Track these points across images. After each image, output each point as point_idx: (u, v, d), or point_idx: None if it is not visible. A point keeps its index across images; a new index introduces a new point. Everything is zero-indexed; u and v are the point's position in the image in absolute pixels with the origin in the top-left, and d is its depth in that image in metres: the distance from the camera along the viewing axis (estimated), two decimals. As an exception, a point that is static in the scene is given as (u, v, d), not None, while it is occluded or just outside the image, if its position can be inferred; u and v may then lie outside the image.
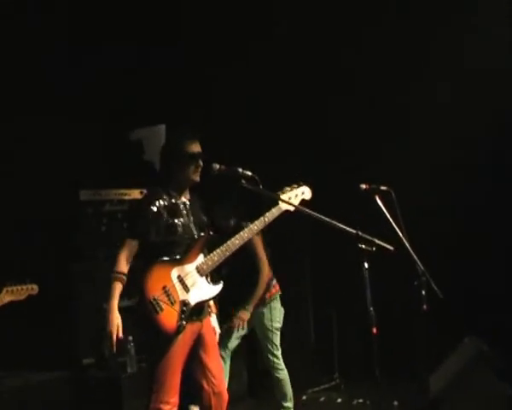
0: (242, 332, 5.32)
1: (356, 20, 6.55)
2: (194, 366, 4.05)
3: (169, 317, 3.84)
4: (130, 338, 5.23)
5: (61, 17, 6.30)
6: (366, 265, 3.79)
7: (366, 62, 6.60)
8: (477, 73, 5.97)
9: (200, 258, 4.04)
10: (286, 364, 5.37)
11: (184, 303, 3.90)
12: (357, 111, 6.66)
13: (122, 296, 3.93)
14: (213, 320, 4.28)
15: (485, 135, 6.02)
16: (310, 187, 4.40)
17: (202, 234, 4.09)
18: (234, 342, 5.32)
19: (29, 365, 5.29)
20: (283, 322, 5.43)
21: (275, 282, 5.40)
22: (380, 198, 4.37)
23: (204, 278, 4.03)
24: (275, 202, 4.19)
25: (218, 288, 4.07)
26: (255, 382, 6.32)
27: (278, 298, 5.40)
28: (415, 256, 4.24)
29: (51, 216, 5.82)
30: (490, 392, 4.48)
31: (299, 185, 4.38)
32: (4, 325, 4.88)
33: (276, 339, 5.32)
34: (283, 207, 4.19)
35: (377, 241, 3.78)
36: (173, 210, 4.03)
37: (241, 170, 3.98)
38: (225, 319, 5.16)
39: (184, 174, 4.06)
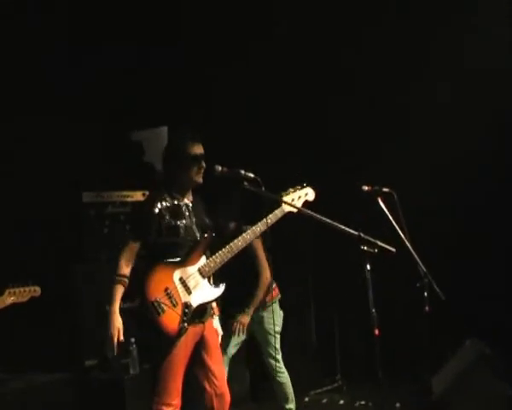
0: (242, 338, 5.28)
1: (356, 20, 6.54)
2: (197, 367, 4.05)
3: (171, 319, 3.83)
4: (133, 340, 5.23)
5: (61, 17, 6.29)
6: (368, 266, 3.80)
7: (366, 62, 6.59)
8: (477, 73, 5.98)
9: (203, 260, 4.04)
10: (288, 365, 5.36)
11: (186, 305, 3.89)
12: (357, 111, 6.66)
13: (124, 298, 3.93)
14: (216, 322, 4.27)
15: (485, 135, 6.02)
16: (313, 188, 4.40)
17: (205, 236, 4.08)
18: (233, 349, 5.27)
19: (31, 366, 5.29)
20: (285, 324, 5.42)
21: (274, 285, 5.35)
22: (382, 200, 4.38)
23: (206, 279, 4.02)
24: (277, 203, 4.20)
25: (221, 290, 4.07)
26: (257, 385, 6.32)
27: (277, 301, 5.37)
28: (417, 258, 4.24)
29: (53, 217, 5.82)
30: (490, 393, 4.49)
31: (303, 187, 4.37)
32: (7, 327, 4.89)
33: (277, 343, 5.27)
34: (286, 208, 4.19)
35: (379, 243, 3.79)
36: (175, 212, 4.02)
37: (243, 172, 3.98)
38: (226, 322, 5.14)
39: (187, 176, 4.05)
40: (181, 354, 3.90)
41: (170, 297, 3.85)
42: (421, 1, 6.35)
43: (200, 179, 4.08)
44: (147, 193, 5.18)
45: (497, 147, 6.09)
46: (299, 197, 4.33)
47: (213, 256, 4.04)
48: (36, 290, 4.57)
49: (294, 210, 4.19)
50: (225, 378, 4.25)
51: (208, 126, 6.21)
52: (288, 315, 5.44)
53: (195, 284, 3.96)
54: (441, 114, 6.30)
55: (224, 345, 5.12)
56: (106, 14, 6.53)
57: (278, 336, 5.31)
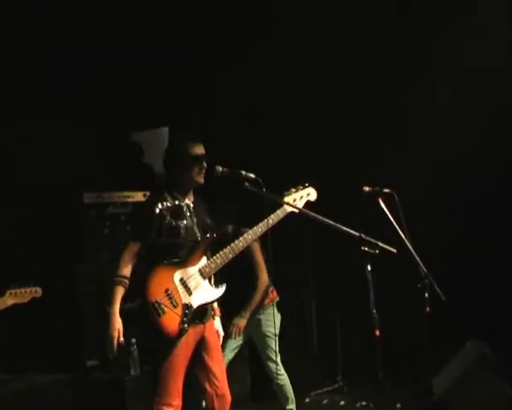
0: (239, 342, 5.27)
1: (356, 20, 6.54)
2: (197, 368, 4.05)
3: (171, 320, 3.83)
4: (134, 341, 5.23)
5: (61, 17, 6.28)
6: (369, 267, 3.80)
7: (366, 62, 6.59)
8: (477, 73, 5.98)
9: (203, 260, 4.04)
10: (289, 366, 5.35)
11: (187, 306, 3.89)
12: (357, 111, 6.65)
13: (125, 299, 3.92)
14: (217, 323, 4.28)
15: (485, 135, 6.02)
16: (315, 188, 4.40)
17: (207, 236, 4.07)
18: (231, 353, 5.25)
19: (32, 367, 5.29)
20: (286, 324, 5.41)
21: (272, 288, 5.33)
22: (383, 201, 4.37)
23: (207, 280, 4.02)
24: (278, 204, 4.19)
25: (221, 290, 4.07)
26: (258, 386, 6.30)
27: (275, 305, 5.30)
28: (418, 259, 4.24)
29: (54, 218, 5.82)
30: (491, 394, 4.49)
31: (305, 187, 4.38)
32: (8, 328, 4.89)
33: (275, 345, 5.21)
34: (288, 208, 4.19)
35: (380, 243, 3.79)
36: (177, 212, 4.01)
37: (244, 172, 3.98)
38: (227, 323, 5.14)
39: (188, 176, 4.05)
40: (181, 354, 3.90)
41: (170, 298, 3.85)
42: (421, 1, 6.35)
43: (201, 180, 4.08)
44: (148, 193, 5.15)
45: (497, 147, 6.09)
46: (301, 197, 4.33)
47: (214, 257, 4.04)
48: (37, 291, 4.58)
49: (296, 210, 4.19)
50: (226, 379, 4.24)
51: (208, 126, 6.22)
52: (289, 316, 5.43)
53: (196, 285, 3.96)
54: (441, 114, 6.30)
55: (222, 348, 5.11)
56: (106, 14, 6.51)
57: (276, 339, 5.24)
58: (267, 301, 5.26)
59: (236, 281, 4.73)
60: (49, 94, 6.09)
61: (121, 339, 3.87)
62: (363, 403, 6.13)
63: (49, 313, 5.41)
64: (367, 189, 4.42)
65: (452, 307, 4.66)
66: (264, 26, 6.74)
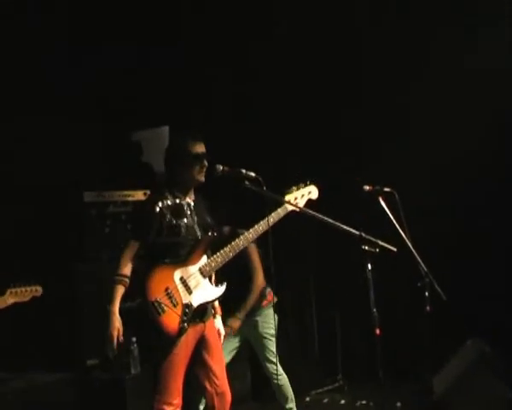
0: (236, 344, 5.24)
1: (356, 21, 6.55)
2: (198, 367, 4.05)
3: (171, 319, 3.83)
4: (134, 339, 5.22)
5: (61, 17, 6.29)
6: (369, 266, 3.80)
7: (366, 62, 6.60)
8: (477, 73, 5.97)
9: (204, 259, 4.04)
10: (289, 365, 5.33)
11: (187, 305, 3.89)
12: (357, 111, 6.66)
13: (125, 298, 3.92)
14: (218, 322, 4.28)
15: (485, 135, 6.02)
16: (316, 186, 4.40)
17: (209, 234, 4.08)
18: (228, 356, 5.16)
19: (33, 366, 5.30)
20: (286, 324, 5.40)
21: (269, 290, 5.27)
22: (383, 199, 4.37)
23: (207, 279, 4.02)
24: (278, 202, 4.19)
25: (222, 289, 4.07)
26: (258, 384, 6.27)
27: (272, 306, 5.24)
28: (418, 258, 4.24)
29: (54, 217, 5.83)
30: (491, 395, 4.50)
31: (306, 185, 4.37)
32: (8, 326, 4.89)
33: (273, 346, 5.18)
34: (289, 207, 4.19)
35: (380, 242, 3.80)
36: (177, 211, 4.01)
37: (244, 171, 3.97)
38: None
39: (189, 175, 4.05)
40: (182, 353, 3.90)
41: (170, 297, 3.85)
42: (421, 1, 6.34)
43: (202, 178, 4.08)
44: (148, 192, 5.17)
45: (497, 147, 6.09)
46: (302, 196, 4.33)
47: (214, 256, 4.04)
48: (37, 290, 4.58)
49: (297, 209, 4.19)
50: (226, 377, 4.24)
51: (208, 126, 6.22)
52: (289, 315, 5.42)
53: (196, 284, 3.96)
54: (441, 114, 6.29)
55: None
56: (106, 14, 6.52)
57: (274, 339, 5.20)
58: (264, 303, 5.23)
59: (233, 282, 4.75)
60: (49, 94, 6.10)
61: (121, 338, 3.87)
62: (364, 402, 6.13)
63: (50, 311, 5.41)
64: (367, 187, 4.42)
65: (452, 307, 4.67)
66: (264, 26, 6.75)
